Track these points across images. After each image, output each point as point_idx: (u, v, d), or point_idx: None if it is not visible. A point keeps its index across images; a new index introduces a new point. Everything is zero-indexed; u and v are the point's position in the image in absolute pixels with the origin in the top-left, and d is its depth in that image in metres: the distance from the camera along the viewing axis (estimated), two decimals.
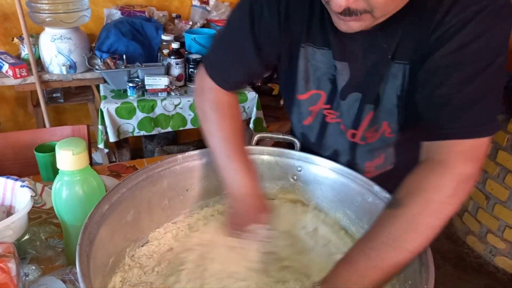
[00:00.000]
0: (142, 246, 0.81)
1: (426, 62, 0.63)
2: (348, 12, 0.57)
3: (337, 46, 0.71)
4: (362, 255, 0.60)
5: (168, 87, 2.02)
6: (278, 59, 0.80)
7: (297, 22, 0.74)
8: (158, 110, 2.02)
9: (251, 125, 2.21)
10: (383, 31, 0.65)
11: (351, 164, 0.85)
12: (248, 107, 2.17)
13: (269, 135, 1.01)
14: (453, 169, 0.59)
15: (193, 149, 0.92)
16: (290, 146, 0.95)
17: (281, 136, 0.98)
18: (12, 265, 0.60)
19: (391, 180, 0.69)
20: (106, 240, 0.68)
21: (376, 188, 0.78)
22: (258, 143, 0.97)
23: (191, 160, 0.87)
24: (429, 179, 0.60)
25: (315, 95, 0.79)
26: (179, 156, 0.86)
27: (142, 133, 2.04)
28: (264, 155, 0.92)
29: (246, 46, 0.76)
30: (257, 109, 2.18)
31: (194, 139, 2.94)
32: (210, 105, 0.83)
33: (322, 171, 0.87)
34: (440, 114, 0.61)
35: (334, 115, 0.81)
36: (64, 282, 0.69)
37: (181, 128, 2.12)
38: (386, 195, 0.76)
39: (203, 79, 0.83)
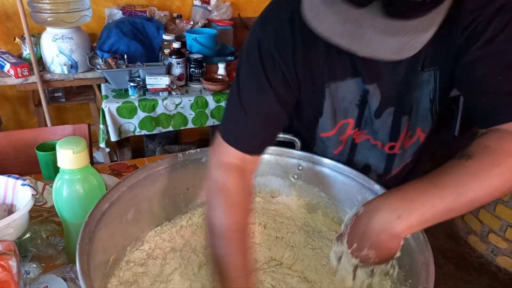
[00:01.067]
0: (142, 245, 0.81)
1: (461, 59, 0.63)
2: None
3: (364, 70, 0.69)
4: (420, 190, 0.57)
5: (169, 86, 2.02)
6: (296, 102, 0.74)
7: (315, 62, 0.69)
8: (159, 110, 2.02)
9: None
10: None
11: (384, 174, 0.86)
12: None
13: None
14: None
15: (194, 148, 0.92)
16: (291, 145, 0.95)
17: (281, 135, 0.98)
18: (13, 263, 0.60)
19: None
20: (106, 239, 0.68)
21: (377, 186, 0.79)
22: None
23: (192, 158, 0.87)
24: (501, 142, 0.58)
25: (344, 125, 0.79)
26: (179, 154, 0.86)
27: (143, 132, 2.04)
28: (265, 154, 0.92)
29: (267, 97, 0.67)
30: None
31: (195, 139, 2.95)
32: (217, 187, 0.71)
33: (322, 170, 0.87)
34: (495, 101, 0.61)
35: (362, 133, 0.81)
36: (65, 280, 0.70)
37: (182, 128, 2.12)
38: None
39: (220, 152, 0.72)
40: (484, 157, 0.57)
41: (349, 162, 0.85)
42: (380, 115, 0.75)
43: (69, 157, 0.70)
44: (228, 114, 0.72)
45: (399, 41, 0.47)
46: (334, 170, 0.86)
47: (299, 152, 0.90)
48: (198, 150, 0.88)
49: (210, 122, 2.14)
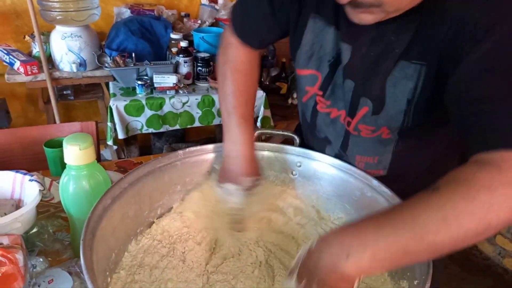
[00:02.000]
0: (143, 240, 0.82)
1: (458, 67, 0.56)
2: (355, 4, 0.56)
3: (346, 27, 0.68)
4: (375, 226, 0.50)
5: (176, 85, 2.04)
6: (289, 25, 0.80)
7: None
8: (166, 108, 2.03)
9: (258, 124, 2.22)
10: (394, 24, 0.62)
11: (341, 154, 0.84)
12: (256, 105, 2.17)
13: (269, 131, 1.02)
14: (506, 176, 0.46)
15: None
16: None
17: (280, 132, 0.98)
18: (19, 256, 0.61)
19: None
20: (108, 234, 0.69)
21: (375, 182, 0.79)
22: (266, 140, 0.97)
23: (192, 156, 0.88)
24: (477, 174, 0.48)
25: (314, 76, 0.78)
26: (180, 152, 0.87)
27: (151, 130, 2.06)
28: (265, 151, 0.93)
29: (263, 5, 0.79)
30: (265, 107, 2.19)
31: (202, 137, 2.96)
32: (226, 60, 0.86)
33: (321, 166, 0.88)
34: (486, 122, 0.51)
35: (324, 104, 0.79)
36: (70, 274, 0.71)
37: (188, 126, 2.13)
38: (385, 189, 0.77)
39: (228, 36, 0.88)
40: (452, 190, 0.48)
41: (313, 126, 0.86)
42: (341, 80, 0.74)
43: (75, 153, 0.71)
44: (237, 5, 0.86)
45: None
46: (333, 167, 0.87)
47: (298, 149, 0.91)
48: (198, 147, 0.89)
49: (217, 120, 2.15)
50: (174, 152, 0.86)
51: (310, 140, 0.92)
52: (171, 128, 2.10)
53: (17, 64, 2.02)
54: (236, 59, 0.87)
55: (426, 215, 0.47)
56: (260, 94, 2.16)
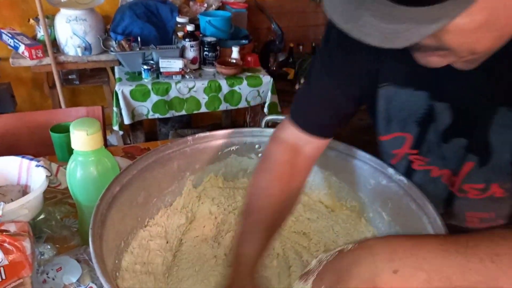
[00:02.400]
0: (152, 227, 0.81)
1: None
2: (416, 47, 0.48)
3: (435, 85, 0.60)
4: (439, 250, 0.42)
5: (183, 70, 2.01)
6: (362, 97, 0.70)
7: (371, 59, 0.63)
8: (173, 93, 2.00)
9: (265, 110, 2.19)
10: (481, 70, 0.53)
11: (447, 212, 0.71)
12: (263, 91, 2.14)
13: (280, 117, 0.99)
14: None
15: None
16: None
17: None
18: (26, 244, 0.60)
19: None
20: (117, 222, 0.68)
21: (390, 170, 0.77)
22: (273, 126, 0.95)
23: (202, 142, 0.86)
24: None
25: (399, 139, 0.68)
26: (189, 138, 0.85)
27: (157, 115, 2.03)
28: None
29: (327, 84, 0.67)
30: (272, 93, 2.15)
31: (208, 123, 2.94)
32: (264, 157, 0.74)
33: (333, 153, 0.85)
34: None
35: (422, 162, 0.68)
36: (79, 261, 0.70)
37: (195, 112, 2.11)
38: (400, 177, 0.75)
39: (279, 127, 0.74)
40: None
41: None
42: (447, 140, 0.63)
43: (82, 138, 0.69)
44: (298, 91, 0.74)
45: (394, 28, 0.39)
46: (345, 154, 0.84)
47: None
48: (207, 133, 0.87)
49: (223, 106, 2.12)
50: (183, 138, 0.84)
51: None
52: (177, 114, 2.08)
53: (21, 48, 2.00)
54: (278, 157, 0.72)
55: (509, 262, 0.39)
56: (267, 80, 2.13)
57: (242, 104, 2.14)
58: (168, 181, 0.83)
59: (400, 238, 0.45)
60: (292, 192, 0.73)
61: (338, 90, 0.67)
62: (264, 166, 0.73)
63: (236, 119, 3.03)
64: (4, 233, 0.60)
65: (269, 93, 2.15)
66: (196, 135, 0.85)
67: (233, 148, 0.89)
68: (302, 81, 2.62)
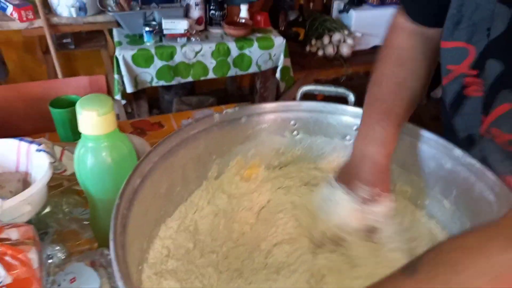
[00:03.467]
0: (177, 221, 0.70)
1: None
2: None
3: None
4: None
5: (188, 31, 1.84)
6: None
7: None
8: (178, 58, 1.84)
9: (277, 75, 2.04)
10: None
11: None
12: (275, 54, 1.98)
13: (319, 88, 0.86)
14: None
15: (213, 100, 0.78)
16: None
17: (332, 89, 0.82)
18: (33, 256, 0.48)
19: None
20: (140, 221, 0.56)
21: (458, 152, 0.65)
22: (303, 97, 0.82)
23: (230, 119, 0.73)
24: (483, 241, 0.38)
25: (460, 50, 0.55)
26: (216, 115, 0.72)
27: (161, 83, 1.89)
28: (313, 112, 0.78)
29: None
30: (285, 56, 2.00)
31: (213, 89, 2.79)
32: (386, 44, 0.68)
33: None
34: None
35: (478, 87, 0.55)
36: (94, 266, 0.59)
37: (202, 78, 1.96)
38: (472, 161, 0.63)
39: (395, 17, 0.68)
40: (434, 273, 0.37)
41: (452, 117, 0.63)
42: (484, 61, 0.52)
43: (93, 120, 0.56)
44: None
45: None
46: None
47: (354, 109, 0.75)
48: (237, 108, 0.74)
49: (233, 71, 1.97)
50: (208, 115, 0.72)
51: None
52: (183, 81, 1.93)
53: (9, 9, 1.81)
54: (400, 43, 0.67)
55: None
56: (280, 41, 1.96)
57: (253, 69, 1.99)
58: (194, 166, 0.71)
59: None
60: (419, 78, 0.66)
61: None
62: (386, 52, 0.67)
63: (241, 85, 2.87)
64: (4, 242, 0.48)
65: (282, 56, 1.99)
66: (224, 112, 0.73)
67: (265, 125, 0.77)
68: (313, 42, 2.45)
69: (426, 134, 0.70)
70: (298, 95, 0.87)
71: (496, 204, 0.59)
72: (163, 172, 0.64)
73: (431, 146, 0.69)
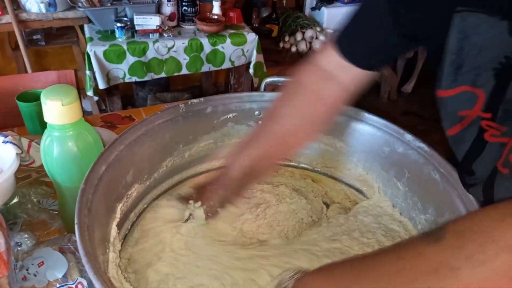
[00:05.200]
0: (145, 211, 0.72)
1: None
2: None
3: None
4: (348, 274, 0.46)
5: (160, 27, 1.84)
6: (423, 31, 0.54)
7: None
8: (150, 54, 1.85)
9: (251, 70, 2.07)
10: None
11: None
12: (248, 50, 2.01)
13: (281, 79, 0.89)
14: None
15: (189, 96, 0.80)
16: None
17: None
18: (0, 240, 0.50)
19: None
20: (105, 207, 0.59)
21: (408, 136, 0.70)
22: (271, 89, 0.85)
23: (195, 109, 0.76)
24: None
25: (468, 95, 0.50)
26: (181, 105, 0.74)
27: (134, 79, 1.89)
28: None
29: (380, 11, 0.55)
30: (258, 52, 2.03)
31: (188, 85, 2.79)
32: (292, 80, 0.66)
33: (342, 119, 0.77)
34: None
35: (498, 132, 0.49)
36: (63, 252, 0.60)
37: (175, 74, 1.97)
38: (421, 144, 0.68)
39: (319, 52, 0.64)
40: (459, 247, 0.37)
41: (467, 166, 0.55)
42: None
43: (57, 110, 0.58)
44: (344, 24, 0.62)
45: None
46: (354, 119, 0.76)
47: None
48: (202, 99, 0.77)
49: (206, 67, 1.99)
50: (174, 105, 0.74)
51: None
52: (156, 76, 1.94)
53: None
54: (312, 85, 0.64)
55: (416, 273, 0.39)
56: (252, 37, 1.99)
57: (226, 65, 2.01)
58: (160, 155, 0.74)
59: (323, 270, 0.49)
60: (312, 119, 0.66)
61: (393, 23, 0.54)
62: (290, 89, 0.66)
63: (216, 81, 2.88)
64: None
65: (254, 52, 2.02)
66: (189, 102, 0.75)
67: (231, 115, 0.80)
68: (286, 38, 2.49)
69: (380, 120, 0.74)
70: (262, 86, 0.91)
71: (441, 183, 0.64)
72: (129, 160, 0.66)
73: (384, 131, 0.74)
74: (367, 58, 0.60)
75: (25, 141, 0.76)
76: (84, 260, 0.44)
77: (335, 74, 0.62)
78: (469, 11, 0.45)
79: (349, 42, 0.61)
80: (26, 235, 0.63)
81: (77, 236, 0.46)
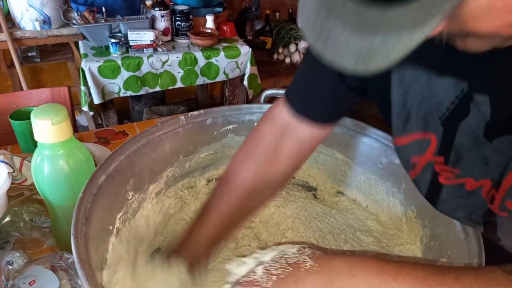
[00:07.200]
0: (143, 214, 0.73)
1: None
2: (444, 35, 0.36)
3: (474, 72, 0.45)
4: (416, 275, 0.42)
5: (154, 42, 1.86)
6: (369, 86, 0.57)
7: None
8: (145, 68, 1.86)
9: (245, 82, 2.08)
10: None
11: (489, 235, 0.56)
12: (242, 62, 2.03)
13: (280, 91, 0.91)
14: None
15: (185, 109, 0.82)
16: None
17: None
18: None
19: None
20: (104, 216, 0.59)
21: None
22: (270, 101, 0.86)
23: (195, 121, 0.77)
24: None
25: (420, 142, 0.52)
26: (181, 117, 0.76)
27: (129, 93, 1.90)
28: None
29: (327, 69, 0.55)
30: (251, 64, 2.04)
31: (183, 98, 2.81)
32: (258, 128, 0.65)
33: (339, 129, 0.78)
34: None
35: (451, 174, 0.52)
36: (55, 271, 0.60)
37: (170, 87, 1.98)
38: None
39: (275, 106, 0.65)
40: None
41: (433, 205, 0.58)
42: (491, 139, 0.47)
43: (47, 129, 0.58)
44: (298, 68, 0.64)
45: (368, 42, 0.29)
46: (352, 130, 0.77)
47: None
48: (202, 111, 0.78)
49: (200, 80, 2.00)
50: (174, 117, 0.75)
51: None
52: (151, 90, 1.95)
53: None
54: (260, 138, 0.64)
55: None
56: (246, 50, 2.01)
57: (220, 77, 2.03)
58: (161, 166, 0.75)
59: (370, 264, 0.43)
60: (269, 177, 0.64)
61: (340, 79, 0.56)
62: (248, 142, 0.66)
63: (212, 93, 2.90)
64: None
65: (248, 65, 2.04)
66: (189, 114, 0.77)
67: (231, 127, 0.81)
68: (280, 50, 2.51)
69: (377, 132, 0.75)
70: (262, 98, 0.93)
71: None
72: (129, 171, 0.67)
73: (381, 142, 0.75)
74: (318, 111, 0.60)
75: (17, 160, 0.76)
76: (77, 267, 0.44)
77: (292, 129, 0.62)
78: (406, 67, 0.48)
79: (299, 96, 0.61)
80: (17, 254, 0.63)
81: (73, 245, 0.46)
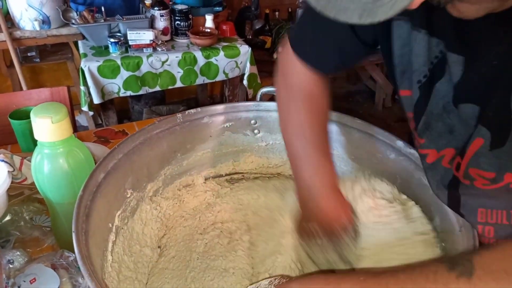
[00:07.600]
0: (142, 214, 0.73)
1: None
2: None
3: (452, 31, 0.46)
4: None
5: (154, 42, 1.86)
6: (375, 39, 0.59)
7: None
8: (144, 68, 1.86)
9: (245, 82, 2.08)
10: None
11: (454, 204, 0.57)
12: (241, 62, 2.03)
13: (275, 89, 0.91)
14: None
15: (185, 108, 0.82)
16: None
17: None
18: None
19: None
20: (103, 214, 0.59)
21: (400, 143, 0.71)
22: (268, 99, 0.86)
23: (192, 119, 0.77)
24: None
25: (408, 99, 0.55)
26: (179, 115, 0.76)
27: (129, 93, 1.90)
28: (272, 112, 0.82)
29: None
30: (251, 64, 2.04)
31: (183, 98, 2.81)
32: (291, 87, 0.66)
33: (335, 126, 0.78)
34: None
35: (418, 143, 0.56)
36: (55, 269, 0.60)
37: (170, 87, 1.98)
38: (412, 151, 0.69)
39: (288, 60, 0.66)
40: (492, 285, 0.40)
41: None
42: (457, 104, 0.48)
43: (47, 127, 0.58)
44: (299, 22, 0.66)
45: None
46: (348, 126, 0.77)
47: None
48: (199, 109, 0.78)
49: (200, 80, 2.00)
50: (171, 116, 0.75)
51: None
52: (151, 90, 1.95)
53: None
54: (305, 87, 0.65)
55: None
56: (246, 50, 2.01)
57: (220, 77, 2.03)
58: (158, 164, 0.75)
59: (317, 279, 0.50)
60: (325, 117, 0.67)
61: (351, 30, 0.57)
62: (293, 96, 0.66)
63: (212, 93, 2.90)
64: None
65: (248, 64, 2.04)
66: (186, 112, 0.77)
67: (227, 124, 0.81)
68: (280, 49, 2.51)
69: (371, 127, 0.75)
70: (258, 96, 0.93)
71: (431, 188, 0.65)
72: (128, 169, 0.67)
73: (376, 138, 0.75)
74: (327, 64, 0.63)
75: (17, 159, 0.76)
76: (80, 263, 0.45)
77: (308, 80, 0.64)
78: (402, 20, 0.51)
79: (310, 50, 0.63)
80: (18, 253, 0.63)
81: (74, 243, 0.46)
